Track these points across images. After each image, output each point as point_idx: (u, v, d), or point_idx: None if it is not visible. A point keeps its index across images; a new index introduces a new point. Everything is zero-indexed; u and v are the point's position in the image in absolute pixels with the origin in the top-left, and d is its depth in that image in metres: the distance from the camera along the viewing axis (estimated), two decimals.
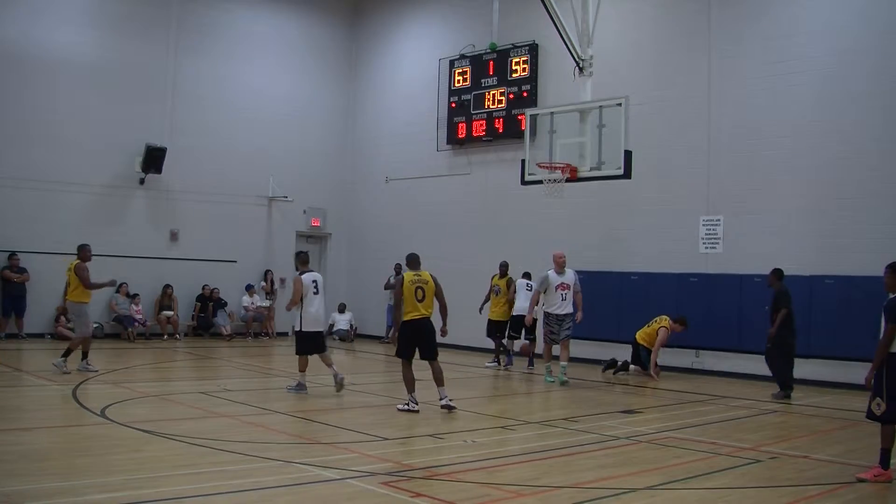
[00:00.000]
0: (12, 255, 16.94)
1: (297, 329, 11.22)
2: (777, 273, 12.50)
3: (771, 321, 12.24)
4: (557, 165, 13.06)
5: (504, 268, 15.63)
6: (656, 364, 14.19)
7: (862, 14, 13.91)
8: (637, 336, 14.42)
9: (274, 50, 21.19)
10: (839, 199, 13.81)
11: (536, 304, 13.86)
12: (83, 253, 12.58)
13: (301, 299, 10.94)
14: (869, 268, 13.30)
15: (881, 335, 7.09)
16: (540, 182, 13.46)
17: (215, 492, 5.94)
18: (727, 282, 14.68)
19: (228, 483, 6.21)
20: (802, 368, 13.97)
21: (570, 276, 13.17)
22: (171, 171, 18.93)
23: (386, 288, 20.37)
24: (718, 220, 15.16)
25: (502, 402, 11.41)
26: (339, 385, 11.01)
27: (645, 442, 8.53)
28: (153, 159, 18.53)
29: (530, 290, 14.68)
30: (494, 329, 15.56)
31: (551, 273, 13.15)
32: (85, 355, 12.39)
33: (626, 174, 12.67)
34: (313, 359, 11.23)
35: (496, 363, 15.65)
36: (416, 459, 7.29)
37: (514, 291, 15.28)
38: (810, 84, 14.21)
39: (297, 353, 11.18)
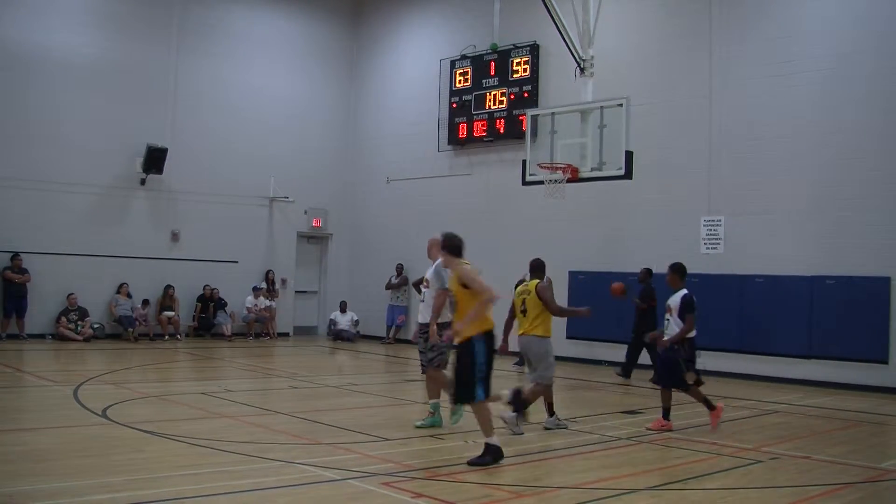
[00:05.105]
0: (15, 255, 16.94)
1: None
2: (646, 271, 14.30)
3: (637, 313, 14.14)
4: (558, 166, 13.06)
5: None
6: None
7: (862, 15, 13.92)
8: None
9: (275, 51, 21.19)
10: (840, 199, 13.81)
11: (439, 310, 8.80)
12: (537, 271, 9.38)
13: None
14: (869, 268, 13.34)
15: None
16: (541, 183, 13.45)
17: (216, 492, 5.94)
18: (728, 282, 14.67)
19: (229, 483, 6.21)
20: (803, 369, 14.01)
21: (431, 271, 9.04)
22: (172, 171, 18.94)
23: (387, 288, 20.37)
24: (719, 220, 15.15)
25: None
26: None
27: (646, 442, 8.53)
28: (154, 160, 18.53)
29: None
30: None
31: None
32: (550, 407, 9.14)
33: (627, 175, 12.68)
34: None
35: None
36: (417, 460, 7.29)
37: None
38: (811, 84, 14.22)
39: None
